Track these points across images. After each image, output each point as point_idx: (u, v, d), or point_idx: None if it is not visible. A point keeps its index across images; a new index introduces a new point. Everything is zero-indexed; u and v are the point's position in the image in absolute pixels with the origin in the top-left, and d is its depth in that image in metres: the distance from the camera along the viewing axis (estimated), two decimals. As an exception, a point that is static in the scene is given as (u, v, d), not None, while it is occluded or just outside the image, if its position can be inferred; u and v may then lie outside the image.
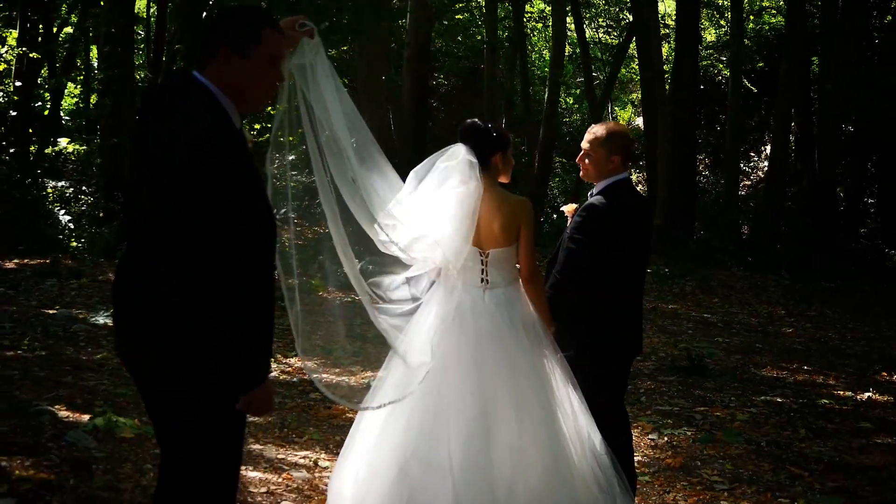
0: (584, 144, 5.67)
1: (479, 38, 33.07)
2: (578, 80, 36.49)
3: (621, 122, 38.53)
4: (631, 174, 5.85)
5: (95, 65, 26.59)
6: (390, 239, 4.92)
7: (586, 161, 5.65)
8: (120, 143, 17.34)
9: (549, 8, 32.91)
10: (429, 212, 5.10)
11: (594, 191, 5.68)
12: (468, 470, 5.03)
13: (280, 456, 6.67)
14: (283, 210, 4.40)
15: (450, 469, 5.02)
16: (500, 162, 5.37)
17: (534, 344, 5.30)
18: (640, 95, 38.01)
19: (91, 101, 23.55)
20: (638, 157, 34.01)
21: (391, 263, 5.07)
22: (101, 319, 10.34)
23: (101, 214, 17.50)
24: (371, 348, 5.27)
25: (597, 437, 5.25)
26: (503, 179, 5.47)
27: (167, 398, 3.60)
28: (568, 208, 6.00)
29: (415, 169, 5.23)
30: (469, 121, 5.46)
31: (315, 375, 4.80)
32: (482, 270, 5.31)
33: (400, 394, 5.04)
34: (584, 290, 5.47)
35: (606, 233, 5.47)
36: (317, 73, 4.40)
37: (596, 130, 5.71)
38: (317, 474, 6.39)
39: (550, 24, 28.95)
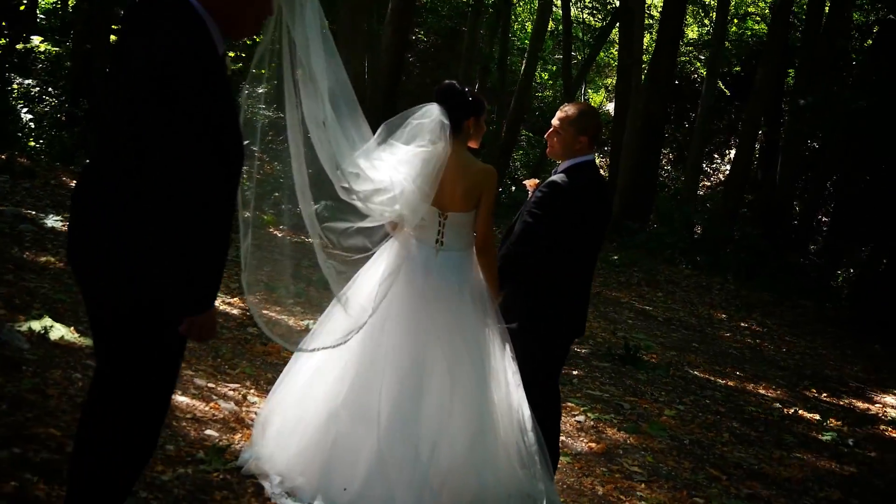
0: (555, 121, 5.65)
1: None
2: (556, 56, 36.43)
3: (593, 104, 38.58)
4: (595, 157, 5.83)
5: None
6: (351, 187, 4.89)
7: (554, 138, 5.64)
8: (92, 49, 17.07)
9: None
10: (393, 166, 5.08)
11: (558, 169, 5.67)
12: (395, 423, 5.05)
13: (210, 385, 6.63)
14: (247, 142, 4.36)
15: (377, 420, 5.04)
16: (472, 126, 5.37)
17: (478, 311, 5.32)
18: (614, 81, 38.14)
19: (70, 2, 23.08)
20: (604, 142, 34.15)
21: (348, 211, 5.04)
22: (50, 223, 10.18)
23: (63, 118, 17.24)
24: (314, 292, 5.27)
25: (526, 413, 5.27)
26: (473, 144, 5.47)
27: (111, 312, 3.58)
28: (529, 182, 5.99)
29: (387, 121, 5.21)
30: (446, 82, 5.45)
31: (256, 310, 4.77)
32: (439, 231, 5.31)
33: (335, 341, 5.05)
34: (536, 265, 5.48)
35: (565, 211, 5.46)
36: (305, 12, 4.35)
37: (567, 109, 5.70)
38: (244, 408, 6.37)
39: (538, -4, 28.87)
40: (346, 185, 4.84)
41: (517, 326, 5.37)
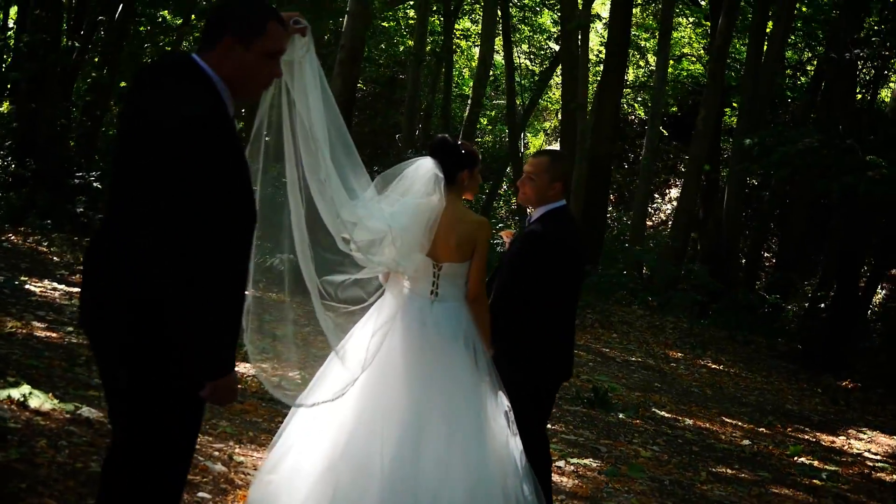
0: (528, 168, 5.69)
1: (401, 48, 33.15)
2: (495, 101, 36.77)
3: (532, 148, 38.92)
4: (567, 206, 5.89)
5: (12, 25, 25.95)
6: (350, 237, 4.92)
7: (527, 185, 5.67)
8: (38, 108, 16.98)
9: (475, 28, 33.19)
10: (389, 217, 5.11)
11: (533, 217, 5.72)
12: (395, 477, 5.04)
13: (196, 446, 6.55)
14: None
15: (380, 474, 5.02)
16: (466, 179, 5.42)
17: (473, 361, 5.34)
18: (553, 125, 38.53)
19: (6, 60, 22.90)
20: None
21: (345, 263, 5.07)
22: (8, 288, 10.06)
23: (10, 179, 17.07)
24: (309, 345, 5.27)
25: (522, 460, 5.29)
26: (468, 196, 5.54)
27: (130, 379, 3.54)
28: (505, 234, 6.05)
29: (382, 173, 5.25)
30: (439, 136, 5.54)
31: (258, 370, 4.79)
32: (433, 283, 5.34)
33: (333, 395, 5.04)
34: (522, 317, 5.52)
35: (547, 260, 5.52)
36: (304, 71, 4.39)
37: (542, 157, 5.77)
38: (232, 468, 6.31)
39: (478, 42, 29.17)
40: (346, 236, 4.87)
41: (507, 374, 5.39)
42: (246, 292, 3.72)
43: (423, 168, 5.30)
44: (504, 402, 5.33)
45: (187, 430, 3.68)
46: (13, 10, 25.70)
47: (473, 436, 5.21)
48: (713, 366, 15.73)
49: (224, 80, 3.59)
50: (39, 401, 6.42)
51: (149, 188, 3.39)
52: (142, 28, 26.10)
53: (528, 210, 5.84)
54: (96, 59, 20.94)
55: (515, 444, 5.30)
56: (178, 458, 3.68)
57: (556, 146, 31.88)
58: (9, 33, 24.33)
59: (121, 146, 3.65)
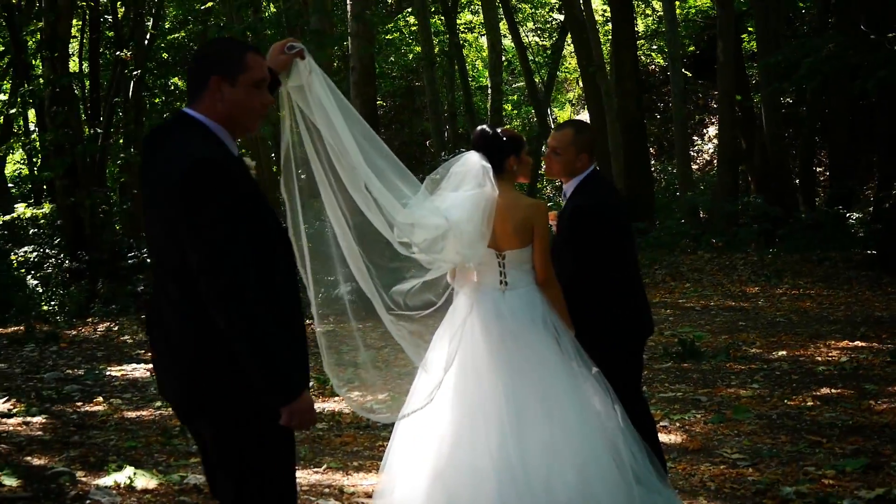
0: (552, 142, 5.66)
1: (410, 56, 33.20)
2: (514, 86, 36.71)
3: (561, 121, 38.77)
4: (597, 169, 5.85)
5: (33, 128, 26.38)
6: (410, 241, 4.92)
7: (554, 160, 5.65)
8: (77, 201, 17.28)
9: (478, 18, 33.14)
10: (445, 212, 5.10)
11: (567, 190, 5.68)
12: (504, 471, 5.03)
13: (304, 487, 6.61)
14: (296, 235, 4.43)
15: (490, 471, 5.02)
16: (514, 164, 5.39)
17: (556, 343, 5.32)
18: (576, 93, 38.36)
19: (35, 163, 23.33)
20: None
21: (411, 269, 5.07)
22: (91, 377, 10.25)
23: (67, 275, 17.38)
24: (391, 366, 5.30)
25: (628, 427, 5.26)
26: (522, 179, 5.55)
27: (214, 432, 3.63)
28: (550, 215, 6.01)
29: (430, 175, 5.25)
30: (479, 129, 5.51)
31: (346, 395, 4.84)
32: (501, 272, 5.33)
33: (421, 403, 5.05)
34: (589, 293, 5.50)
35: (599, 231, 5.50)
36: (315, 90, 4.39)
37: (564, 129, 5.73)
38: (345, 500, 6.35)
39: (484, 32, 29.11)
40: (405, 240, 4.87)
41: (593, 343, 5.38)
42: (302, 315, 3.77)
43: (470, 162, 5.30)
44: (597, 375, 5.32)
45: (283, 468, 3.73)
46: (31, 114, 26.15)
47: (573, 415, 5.19)
48: (793, 291, 15.56)
49: (220, 123, 3.67)
50: (145, 479, 6.51)
51: (174, 241, 3.49)
52: (157, 100, 26.44)
53: (560, 183, 5.81)
54: (121, 141, 21.22)
55: (617, 414, 5.28)
56: (284, 498, 3.74)
57: (584, 114, 31.74)
58: (32, 136, 24.75)
59: (146, 212, 3.74)
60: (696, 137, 34.69)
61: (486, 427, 5.14)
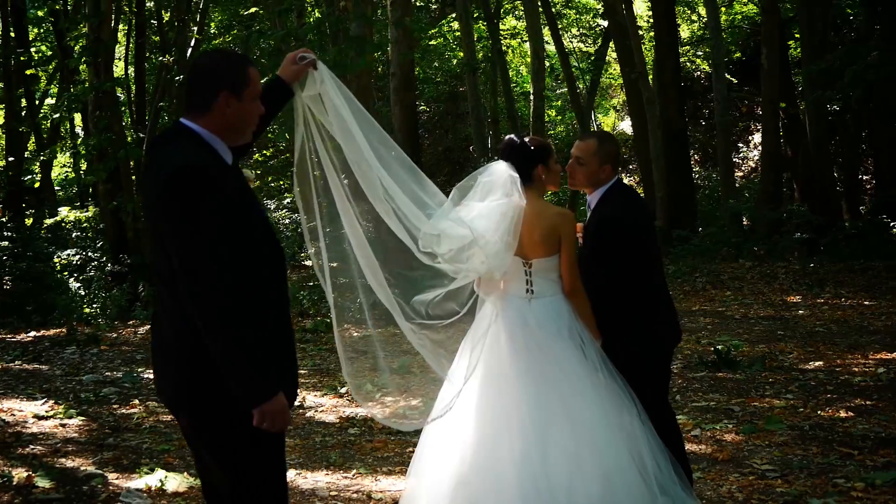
0: (576, 152, 5.66)
1: (454, 61, 33.26)
2: (558, 91, 36.66)
3: (605, 128, 38.67)
4: (621, 178, 5.85)
5: (79, 132, 26.70)
6: (434, 251, 4.96)
7: (578, 170, 5.66)
8: (120, 205, 17.50)
9: (521, 24, 33.13)
10: (472, 221, 5.13)
11: (591, 202, 5.69)
12: (527, 479, 5.05)
13: (333, 492, 6.68)
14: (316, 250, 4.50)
15: (513, 478, 5.04)
16: (542, 173, 5.41)
17: (581, 353, 5.33)
18: (620, 100, 38.24)
19: (81, 167, 23.61)
20: (628, 160, 34.19)
21: (435, 278, 5.10)
22: (128, 380, 10.39)
23: (109, 279, 17.60)
24: (427, 372, 5.34)
25: (653, 437, 5.27)
26: (551, 188, 5.55)
27: (208, 434, 3.75)
28: (577, 227, 6.03)
29: (458, 185, 5.29)
30: (506, 138, 5.53)
31: (363, 403, 4.90)
32: (527, 281, 5.35)
33: (442, 410, 5.09)
34: (616, 303, 5.51)
35: (626, 242, 5.52)
36: (331, 99, 4.47)
37: (588, 139, 5.74)
38: (373, 506, 6.41)
39: (526, 39, 29.11)
40: (429, 251, 4.90)
41: (620, 350, 5.40)
42: (289, 321, 3.93)
43: (497, 172, 5.31)
44: (623, 385, 5.33)
45: (277, 468, 3.85)
46: (77, 118, 26.47)
47: (597, 425, 5.20)
48: (834, 301, 15.44)
49: (217, 134, 3.79)
50: (176, 482, 6.61)
51: (162, 246, 3.61)
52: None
53: (583, 192, 5.84)
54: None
55: (643, 423, 5.29)
56: (278, 498, 3.85)
57: (629, 121, 31.63)
58: (78, 140, 25.06)
59: (145, 219, 3.92)
60: (741, 144, 34.49)
61: (511, 435, 5.16)
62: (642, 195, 21.87)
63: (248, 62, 3.89)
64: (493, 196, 5.26)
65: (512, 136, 5.57)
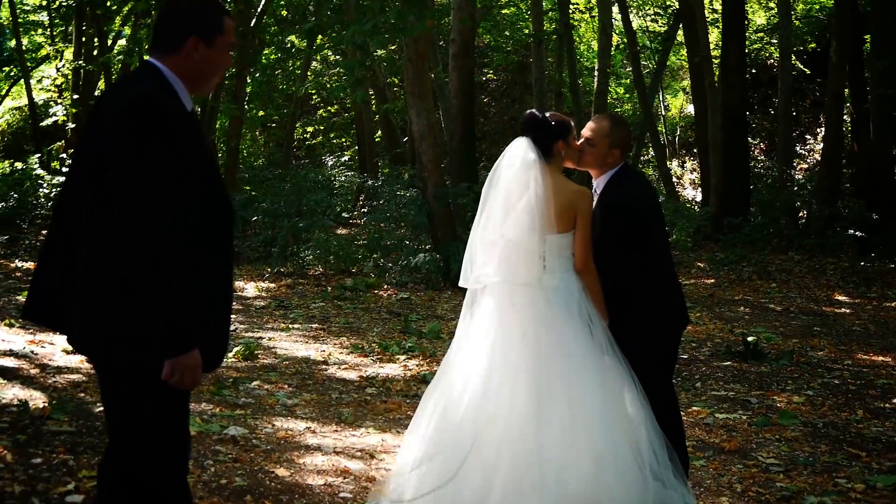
0: (587, 133, 5.67)
1: (525, 31, 33.06)
2: (628, 69, 36.36)
3: (673, 109, 38.32)
4: (628, 163, 5.84)
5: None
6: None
7: (587, 151, 5.66)
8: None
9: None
10: (506, 234, 5.27)
11: (598, 186, 5.68)
12: (520, 453, 5.09)
13: (338, 448, 6.78)
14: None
15: (506, 448, 5.08)
16: (562, 149, 5.44)
17: (588, 330, 5.35)
18: (689, 83, 37.85)
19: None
20: (692, 144, 33.84)
21: None
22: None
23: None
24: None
25: (651, 422, 5.28)
26: (570, 164, 5.58)
27: (104, 374, 3.67)
28: None
29: (491, 170, 5.42)
30: (528, 112, 5.55)
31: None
32: (542, 256, 5.37)
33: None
34: (624, 284, 5.53)
35: (634, 225, 5.53)
36: None
37: (601, 121, 5.73)
38: (373, 465, 6.49)
39: (596, 14, 28.87)
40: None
41: (629, 333, 5.42)
42: (230, 276, 3.79)
43: (516, 157, 5.37)
44: (627, 367, 5.35)
45: (168, 418, 3.67)
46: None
47: (596, 406, 5.22)
48: (879, 301, 15.25)
49: (181, 77, 3.75)
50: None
51: (98, 171, 3.51)
52: (272, 55, 26.78)
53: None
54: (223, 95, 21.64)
55: (642, 407, 5.31)
56: (165, 448, 3.68)
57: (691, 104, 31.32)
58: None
59: (81, 140, 3.81)
60: (808, 136, 33.96)
61: (510, 408, 5.20)
62: (699, 181, 21.67)
63: (226, 12, 3.85)
64: (514, 184, 5.32)
65: (533, 110, 5.59)
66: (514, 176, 5.35)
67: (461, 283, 5.53)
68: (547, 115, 5.52)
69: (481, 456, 5.11)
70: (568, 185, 5.47)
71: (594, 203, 5.58)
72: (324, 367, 9.39)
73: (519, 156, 5.39)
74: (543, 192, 5.27)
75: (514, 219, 5.26)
